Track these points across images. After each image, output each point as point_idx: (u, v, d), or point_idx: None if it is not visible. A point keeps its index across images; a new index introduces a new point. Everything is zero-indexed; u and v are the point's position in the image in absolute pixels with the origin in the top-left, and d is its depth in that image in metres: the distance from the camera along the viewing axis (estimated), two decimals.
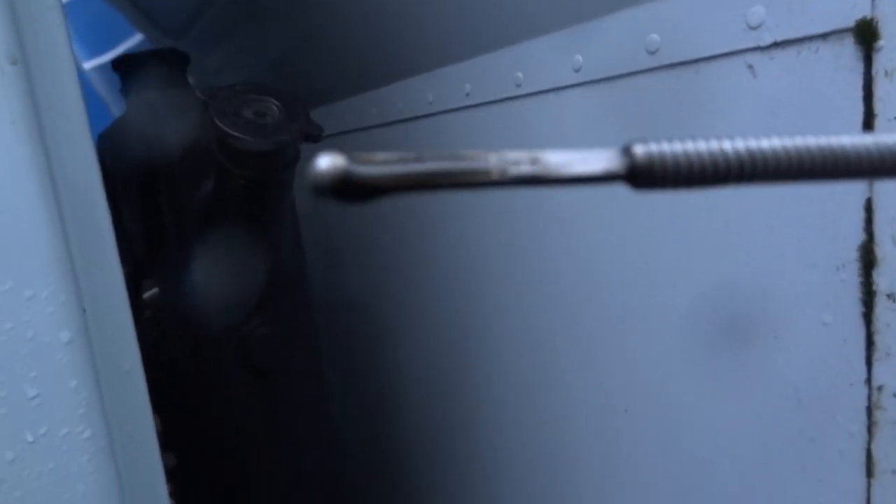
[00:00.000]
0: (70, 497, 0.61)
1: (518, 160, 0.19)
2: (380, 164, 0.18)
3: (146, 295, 1.42)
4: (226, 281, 1.06)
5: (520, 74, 0.96)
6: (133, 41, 2.49)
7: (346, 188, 0.18)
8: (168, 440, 1.61)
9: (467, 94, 1.06)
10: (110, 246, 0.67)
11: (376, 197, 0.19)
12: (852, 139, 0.21)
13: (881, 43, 0.59)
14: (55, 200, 0.61)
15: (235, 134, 0.80)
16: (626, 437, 0.91)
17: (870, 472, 0.65)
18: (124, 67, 1.16)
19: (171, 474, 1.53)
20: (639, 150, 0.20)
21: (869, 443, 0.65)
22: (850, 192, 0.62)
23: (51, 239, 0.60)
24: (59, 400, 0.60)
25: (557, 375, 1.01)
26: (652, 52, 0.77)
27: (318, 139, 0.87)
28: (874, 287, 0.62)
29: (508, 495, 1.16)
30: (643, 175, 0.20)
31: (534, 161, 0.19)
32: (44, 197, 0.60)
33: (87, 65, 3.10)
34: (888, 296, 0.61)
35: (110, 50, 2.76)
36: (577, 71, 0.87)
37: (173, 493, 1.43)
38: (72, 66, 0.64)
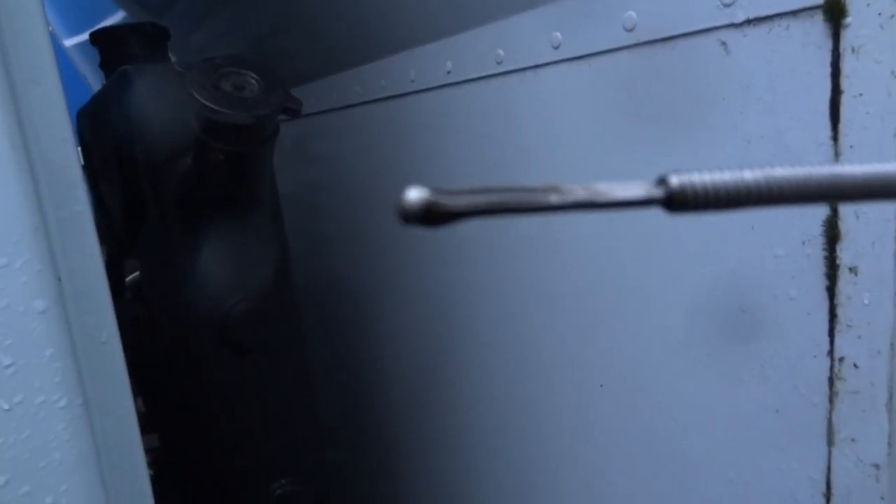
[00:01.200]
0: (46, 464, 0.61)
1: (573, 190, 0.23)
2: (459, 196, 0.23)
3: (129, 279, 1.41)
4: (206, 257, 1.06)
5: (500, 52, 0.96)
6: (115, 19, 2.45)
7: (431, 216, 0.22)
8: (151, 421, 1.61)
9: (449, 72, 1.06)
10: (86, 216, 0.67)
11: (455, 222, 0.23)
12: (852, 169, 0.25)
13: (849, 20, 0.60)
14: (29, 169, 0.61)
15: (214, 107, 0.80)
16: (602, 412, 0.93)
17: (830, 441, 0.68)
18: (103, 41, 1.14)
19: (155, 455, 1.54)
20: (674, 180, 0.24)
21: (830, 412, 0.67)
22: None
23: (25, 208, 0.60)
24: (34, 368, 0.60)
25: (535, 353, 1.02)
26: (629, 30, 0.77)
27: (298, 113, 0.87)
28: (838, 261, 0.64)
29: (488, 469, 1.18)
30: (678, 201, 0.24)
31: (586, 189, 0.24)
32: (17, 165, 0.60)
33: (69, 42, 3.05)
34: (850, 269, 0.63)
35: (92, 27, 2.72)
36: (556, 48, 0.87)
37: (156, 474, 1.44)
38: (45, 35, 0.64)
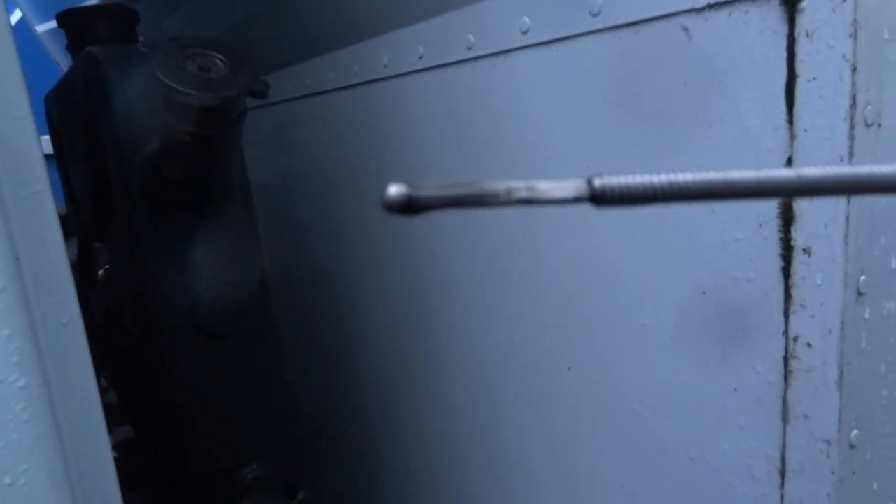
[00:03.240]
0: (5, 444, 0.61)
1: (518, 188, 0.28)
2: (430, 189, 0.27)
3: (100, 272, 1.39)
4: (175, 242, 1.06)
5: (471, 37, 0.96)
6: (89, 3, 2.41)
7: (409, 207, 0.27)
8: (124, 412, 1.60)
9: (420, 58, 1.06)
10: (46, 197, 0.66)
11: (429, 211, 0.27)
12: (741, 174, 0.30)
13: (804, 4, 0.61)
14: None
15: (178, 88, 0.79)
16: (570, 393, 0.94)
17: (785, 418, 0.69)
18: (70, 23, 1.12)
19: (129, 447, 1.53)
20: (597, 182, 0.29)
21: (785, 391, 0.69)
22: (774, 151, 0.65)
23: None
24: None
25: (506, 339, 1.03)
26: (595, 14, 0.78)
27: (264, 95, 0.87)
28: (792, 242, 0.65)
29: (460, 450, 1.19)
30: (599, 198, 0.29)
31: (529, 189, 0.28)
32: None
33: (41, 28, 2.99)
34: (804, 250, 0.65)
35: None
36: (525, 33, 0.87)
37: (132, 463, 1.43)
38: (2, 12, 0.63)
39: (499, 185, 0.28)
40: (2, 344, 0.60)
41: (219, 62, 0.84)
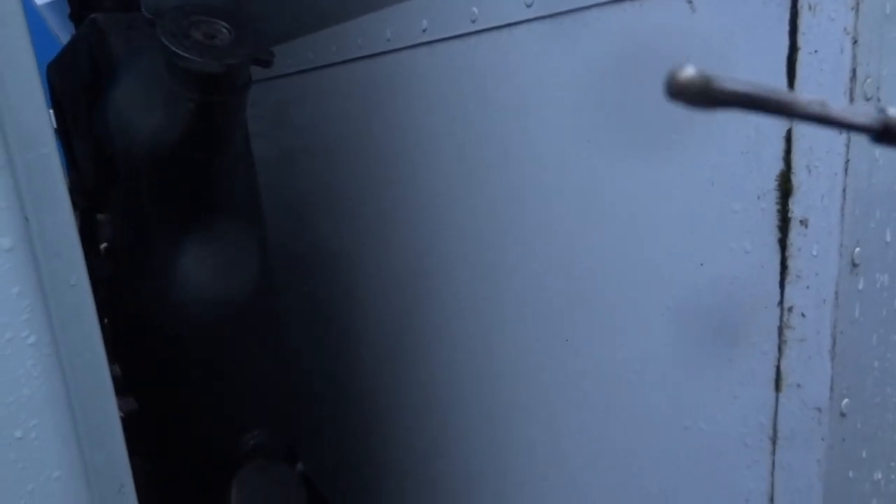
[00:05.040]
0: (15, 399, 0.62)
1: (813, 102, 0.28)
2: (729, 83, 0.25)
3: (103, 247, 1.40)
4: (177, 212, 1.06)
5: (475, 10, 0.96)
6: None
7: (701, 96, 0.24)
8: (127, 384, 1.62)
9: (424, 30, 1.06)
10: (54, 159, 0.67)
11: (720, 108, 0.25)
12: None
13: None
14: None
15: (183, 55, 0.79)
16: (567, 363, 0.96)
17: (778, 387, 0.71)
18: None
19: (132, 419, 1.54)
20: (892, 112, 0.28)
21: (778, 360, 0.71)
22: (772, 125, 0.66)
23: None
24: (1, 305, 0.61)
25: (506, 310, 1.05)
26: None
27: (269, 64, 0.87)
28: (790, 214, 0.67)
29: (459, 418, 1.21)
30: (886, 135, 0.28)
31: (822, 105, 0.28)
32: None
33: (40, 1, 2.96)
34: (801, 222, 0.66)
35: None
36: (529, 6, 0.88)
37: (135, 433, 1.45)
38: None
39: (796, 96, 0.28)
40: (12, 302, 0.61)
41: (223, 30, 0.84)
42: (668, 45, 0.73)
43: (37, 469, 0.61)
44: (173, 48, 0.79)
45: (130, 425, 1.45)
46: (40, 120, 0.66)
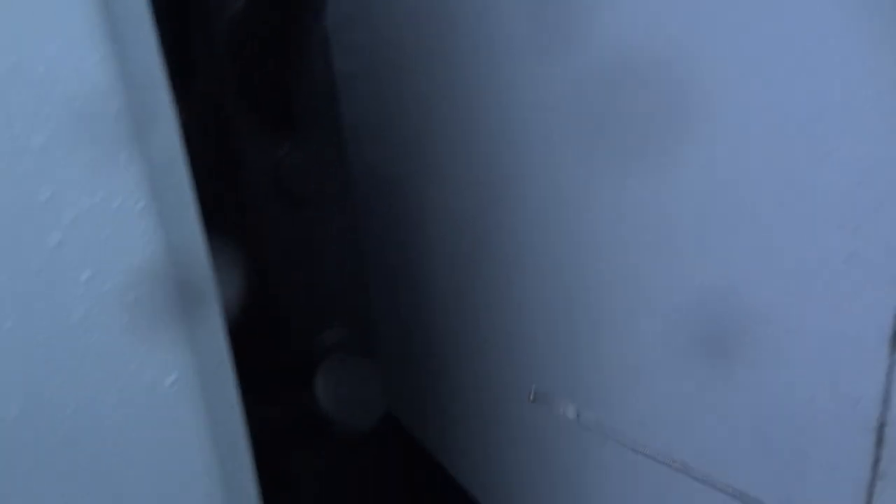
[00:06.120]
0: (126, 259, 0.63)
1: None
2: None
3: None
4: (257, 105, 1.04)
5: None
6: None
7: None
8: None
9: None
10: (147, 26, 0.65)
11: None
12: None
13: None
14: None
15: None
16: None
17: None
18: None
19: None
20: None
21: None
22: None
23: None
24: (112, 171, 0.61)
25: (580, 225, 1.00)
26: None
27: None
28: None
29: (529, 333, 1.20)
30: None
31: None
32: None
33: None
34: None
35: None
36: None
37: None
38: None
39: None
40: (121, 169, 0.61)
41: None
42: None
43: None
44: None
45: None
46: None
